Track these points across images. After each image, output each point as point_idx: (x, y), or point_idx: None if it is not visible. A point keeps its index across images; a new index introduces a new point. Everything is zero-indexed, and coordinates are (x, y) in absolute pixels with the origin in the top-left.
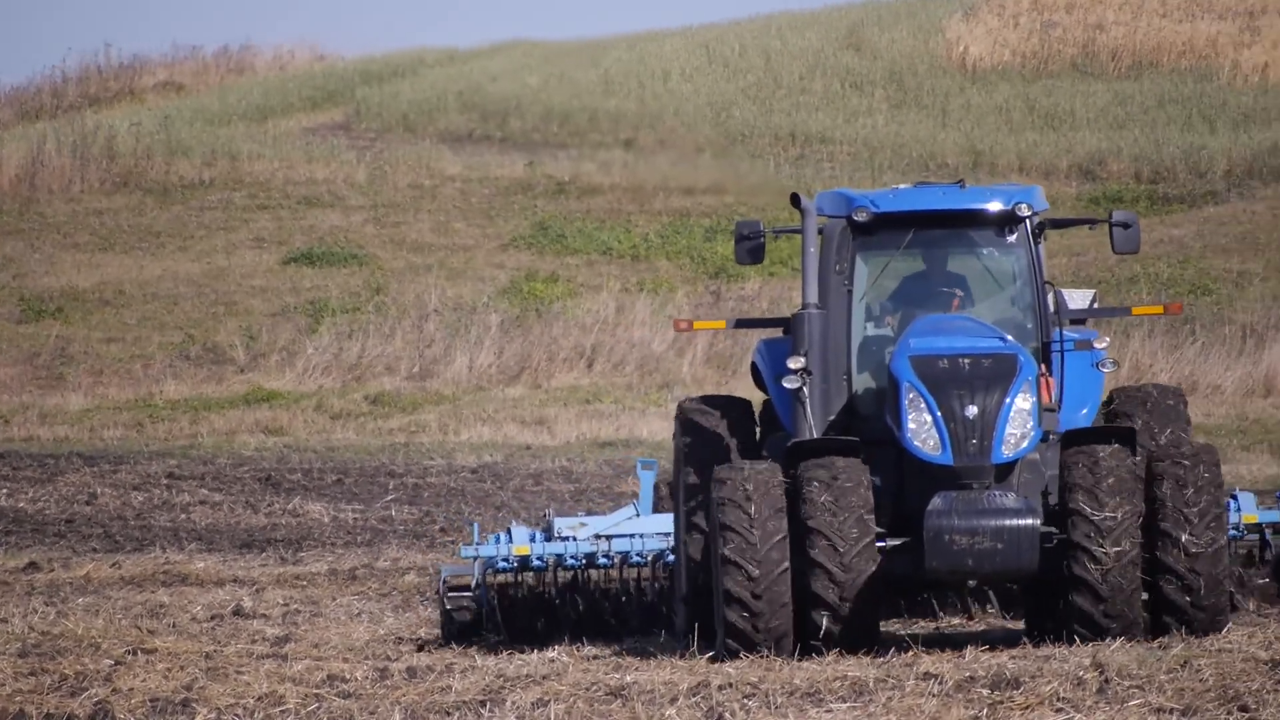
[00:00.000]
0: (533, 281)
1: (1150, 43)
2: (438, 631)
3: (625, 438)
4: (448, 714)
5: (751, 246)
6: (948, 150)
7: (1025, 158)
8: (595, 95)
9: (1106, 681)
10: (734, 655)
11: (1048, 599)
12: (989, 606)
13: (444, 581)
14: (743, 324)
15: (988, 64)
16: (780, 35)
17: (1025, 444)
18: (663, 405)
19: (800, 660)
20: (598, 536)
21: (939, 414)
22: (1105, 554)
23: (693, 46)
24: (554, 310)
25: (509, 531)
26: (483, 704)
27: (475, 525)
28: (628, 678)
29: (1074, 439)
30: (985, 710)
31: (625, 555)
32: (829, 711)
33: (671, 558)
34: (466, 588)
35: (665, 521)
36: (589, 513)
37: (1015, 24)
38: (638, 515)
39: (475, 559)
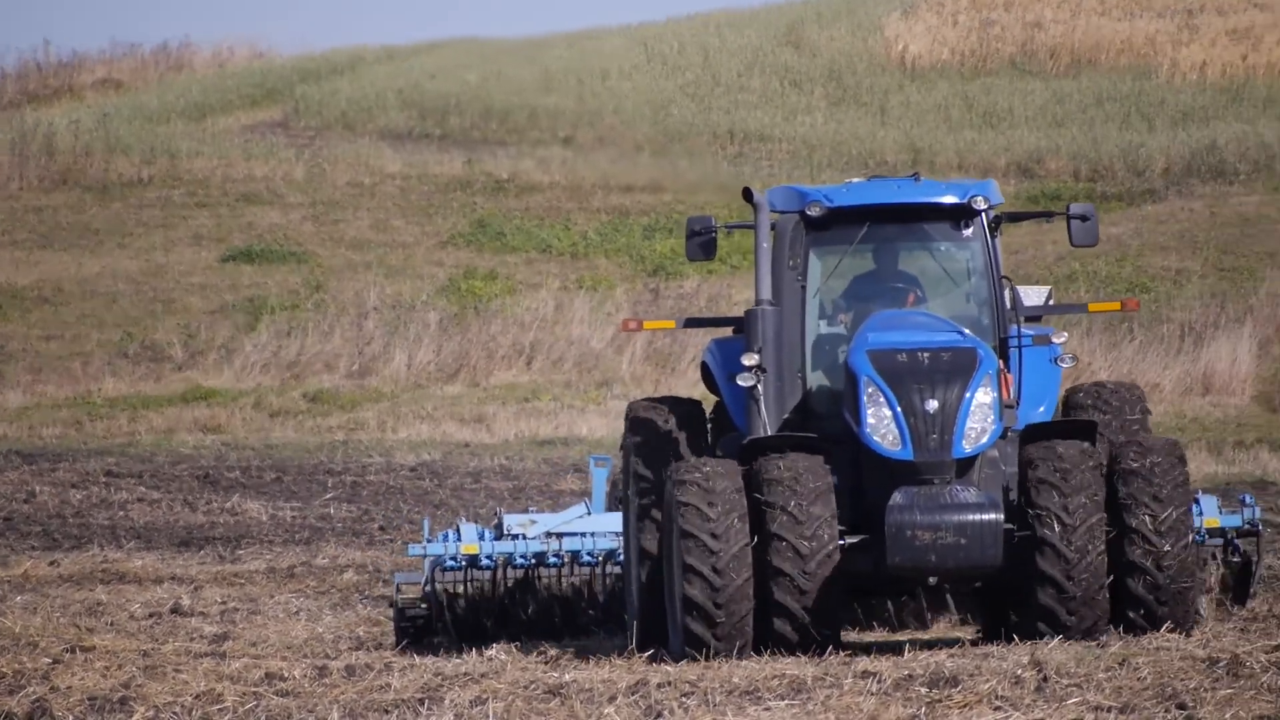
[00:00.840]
0: (472, 279)
1: (1089, 41)
2: (376, 629)
3: (564, 436)
4: (386, 712)
5: (703, 242)
6: (887, 148)
7: (964, 156)
8: (534, 93)
9: (1045, 680)
10: (688, 659)
11: (1005, 601)
12: (948, 614)
13: (397, 587)
14: (693, 323)
15: (926, 62)
16: (719, 33)
17: (986, 439)
18: (602, 403)
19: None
20: (548, 535)
21: (899, 408)
22: (1071, 548)
23: (632, 44)
24: (493, 308)
25: (458, 529)
26: (421, 702)
27: (426, 521)
28: (566, 676)
29: (1035, 434)
30: (923, 708)
31: (576, 554)
32: (767, 709)
33: (622, 556)
34: (418, 591)
35: (618, 520)
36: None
37: (954, 22)
38: (589, 513)
39: (424, 557)
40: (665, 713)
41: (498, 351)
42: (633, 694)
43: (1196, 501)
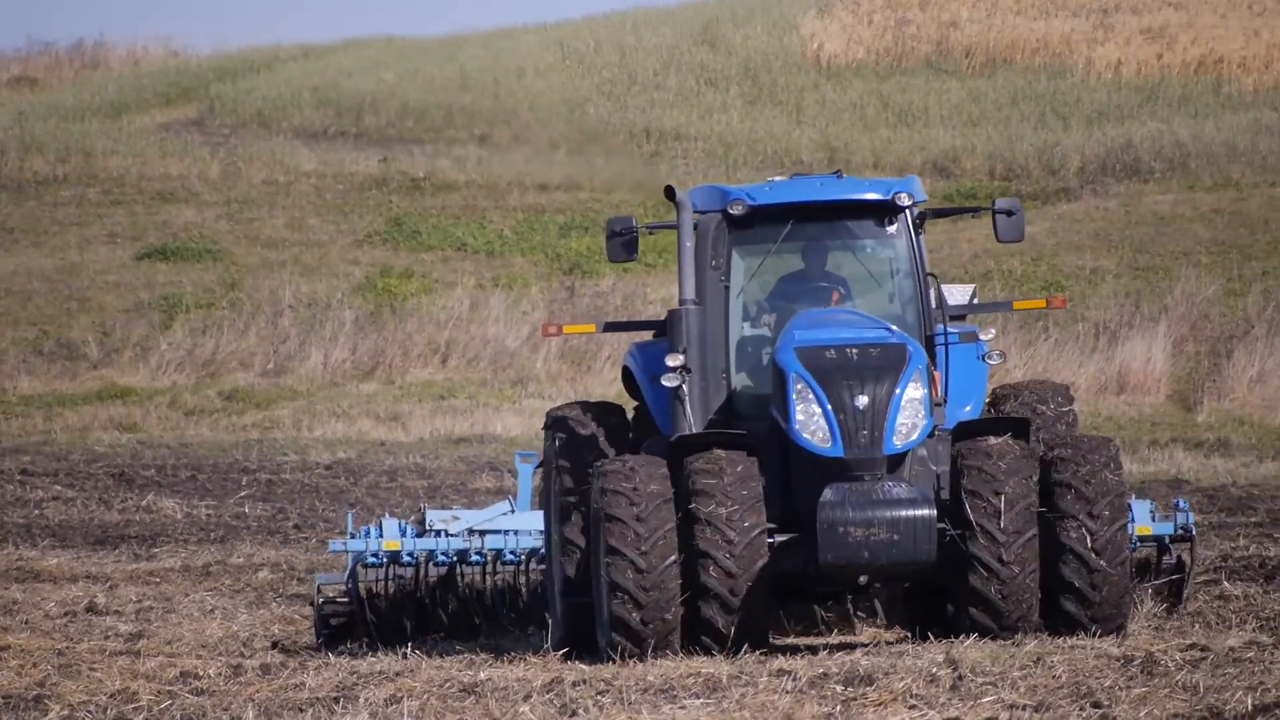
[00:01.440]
0: (387, 277)
1: (1004, 40)
2: (291, 628)
3: (480, 434)
4: (301, 710)
5: (625, 241)
6: (802, 147)
7: (879, 155)
8: (450, 91)
9: (960, 678)
10: (616, 651)
11: (929, 603)
12: (876, 619)
13: (318, 589)
14: (613, 327)
15: (842, 61)
16: (635, 31)
17: (916, 435)
18: (517, 401)
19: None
20: (471, 532)
21: (828, 405)
22: (1006, 541)
23: (548, 43)
24: (408, 306)
25: (379, 525)
26: (336, 700)
27: (350, 516)
28: (481, 674)
29: (967, 430)
30: (839, 707)
31: (499, 552)
32: (683, 708)
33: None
34: (339, 591)
35: (541, 518)
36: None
37: (869, 21)
38: (513, 511)
39: (345, 553)
40: (580, 711)
41: (413, 350)
42: (548, 692)
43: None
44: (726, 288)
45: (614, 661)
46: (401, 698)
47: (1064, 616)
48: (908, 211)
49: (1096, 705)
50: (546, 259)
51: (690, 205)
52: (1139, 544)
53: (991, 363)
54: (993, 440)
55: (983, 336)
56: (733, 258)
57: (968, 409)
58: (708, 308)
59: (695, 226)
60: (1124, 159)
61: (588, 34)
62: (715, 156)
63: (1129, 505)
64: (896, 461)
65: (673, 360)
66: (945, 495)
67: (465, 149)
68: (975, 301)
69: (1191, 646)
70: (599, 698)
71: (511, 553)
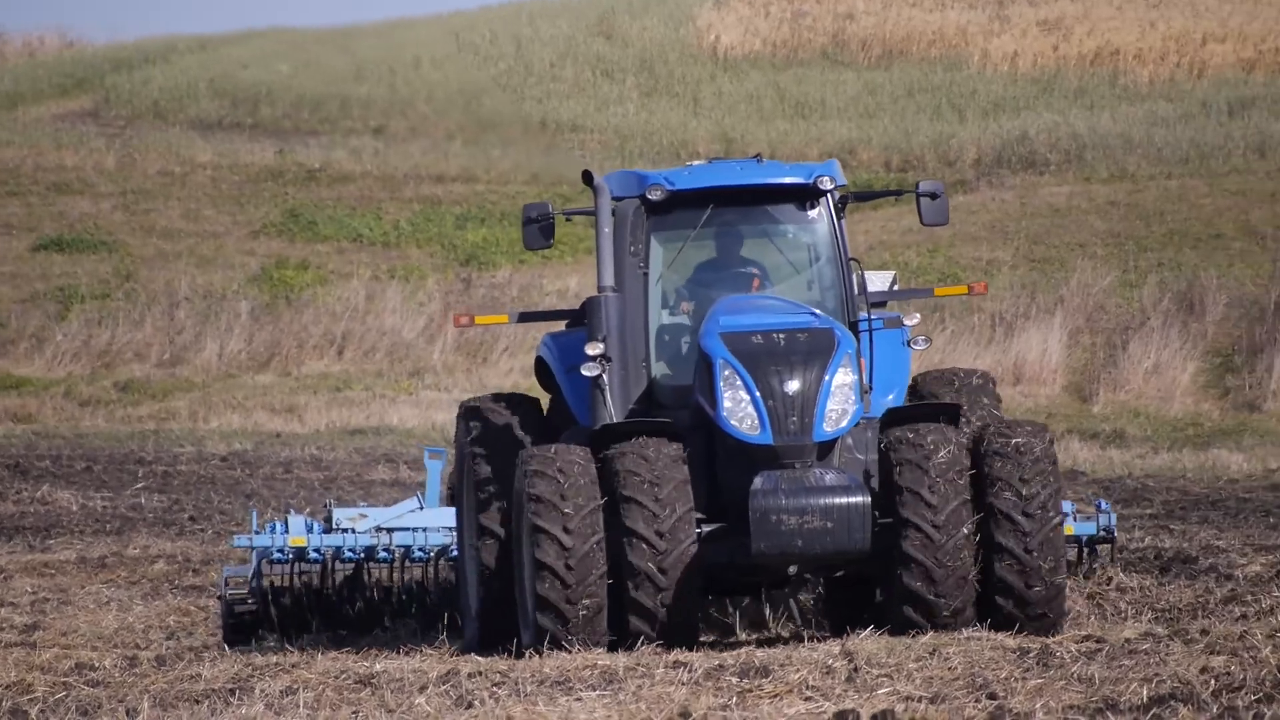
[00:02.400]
0: (283, 269)
1: (900, 32)
2: (187, 619)
3: (375, 425)
4: (197, 702)
5: (541, 227)
6: (699, 138)
7: (776, 146)
8: (346, 83)
9: (855, 670)
10: (543, 635)
11: (854, 600)
12: (792, 619)
13: (224, 581)
14: (526, 317)
15: (739, 52)
16: (531, 22)
17: (847, 421)
18: (413, 393)
19: (553, 650)
20: (379, 529)
21: (756, 392)
22: (938, 532)
23: (444, 34)
24: (304, 298)
25: (285, 521)
26: (232, 692)
27: (254, 513)
28: (377, 666)
29: (897, 418)
30: (734, 698)
31: (407, 550)
32: (579, 699)
33: (456, 553)
34: (246, 586)
35: (451, 515)
36: (339, 501)
37: (766, 13)
38: (422, 508)
39: (250, 549)
40: (476, 702)
41: (309, 341)
42: (444, 684)
43: None
44: (645, 274)
45: (534, 651)
46: (297, 689)
47: (999, 607)
48: (829, 195)
49: (992, 696)
50: (443, 250)
51: (608, 190)
52: None
53: (916, 348)
54: (924, 430)
55: (907, 322)
56: (651, 244)
57: (891, 396)
58: (626, 295)
59: (613, 212)
60: (1020, 151)
61: (484, 25)
62: (611, 148)
63: (1062, 500)
64: (826, 449)
65: (592, 349)
66: (875, 484)
67: (361, 140)
68: (895, 288)
69: (1087, 638)
70: (495, 689)
71: (420, 549)
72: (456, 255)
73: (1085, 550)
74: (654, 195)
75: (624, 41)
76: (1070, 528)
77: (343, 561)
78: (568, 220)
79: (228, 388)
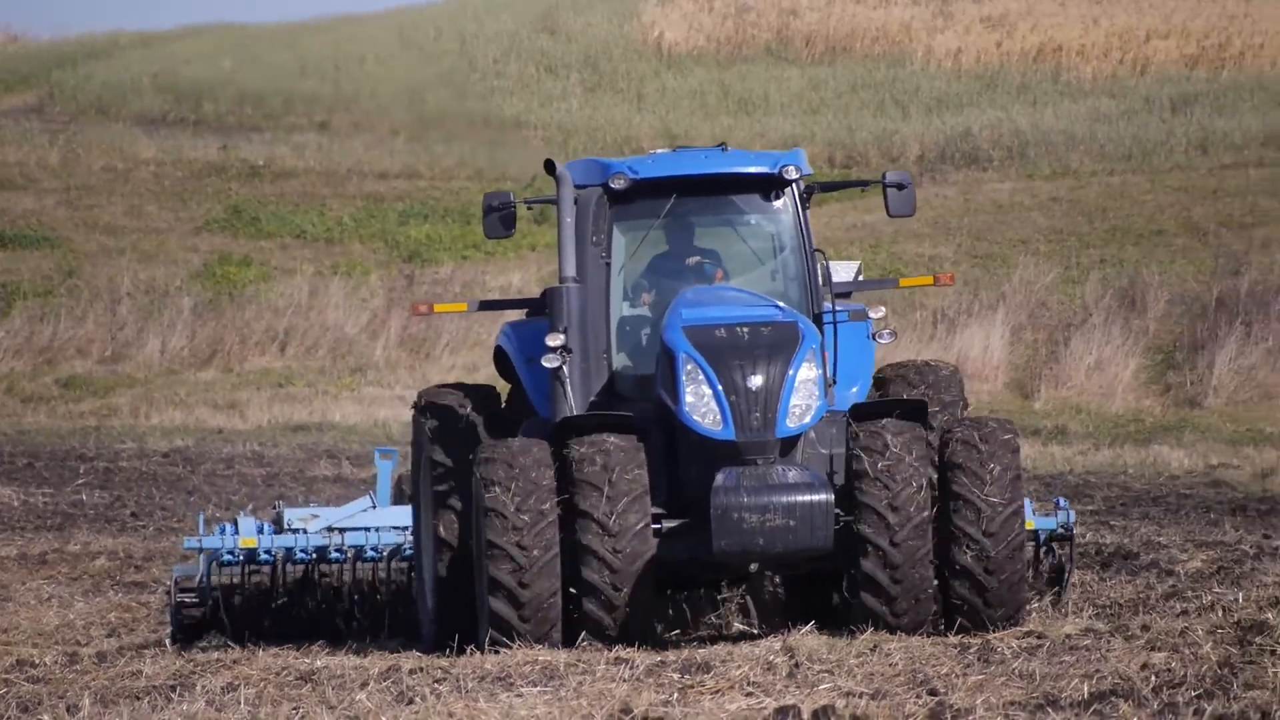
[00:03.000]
0: (226, 265)
1: (844, 28)
2: (128, 615)
3: (318, 421)
4: (138, 699)
5: (501, 217)
6: (643, 134)
7: (720, 142)
8: (290, 79)
9: (796, 665)
10: (498, 648)
11: (812, 599)
12: (748, 617)
13: (175, 581)
14: (486, 306)
15: (683, 48)
16: (475, 19)
17: (810, 416)
18: (356, 389)
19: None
20: (330, 529)
21: (719, 386)
22: (899, 534)
23: (388, 30)
24: (247, 294)
25: (235, 523)
26: (173, 689)
27: (201, 516)
28: (318, 663)
29: (862, 413)
30: (676, 694)
31: (359, 549)
32: (519, 695)
33: (410, 552)
34: (196, 585)
35: (403, 514)
36: (284, 499)
37: (710, 9)
38: (374, 507)
39: (199, 551)
40: (417, 699)
41: (252, 337)
42: (385, 680)
43: None
44: (608, 265)
45: (496, 649)
46: (238, 685)
47: (959, 603)
48: (795, 185)
49: (933, 693)
50: (386, 246)
51: (570, 179)
52: None
53: (881, 341)
54: (889, 430)
55: (872, 314)
56: (614, 234)
57: (855, 389)
58: (588, 285)
59: (575, 201)
60: (963, 147)
61: (428, 21)
62: (555, 144)
63: (1023, 490)
64: (789, 444)
65: (553, 340)
66: (839, 479)
67: (305, 136)
68: (861, 279)
69: (1028, 634)
70: (436, 685)
71: (373, 549)
72: (399, 251)
73: (1043, 547)
74: (617, 184)
75: (568, 37)
76: (1030, 522)
77: (294, 563)
78: (529, 209)
79: (170, 384)
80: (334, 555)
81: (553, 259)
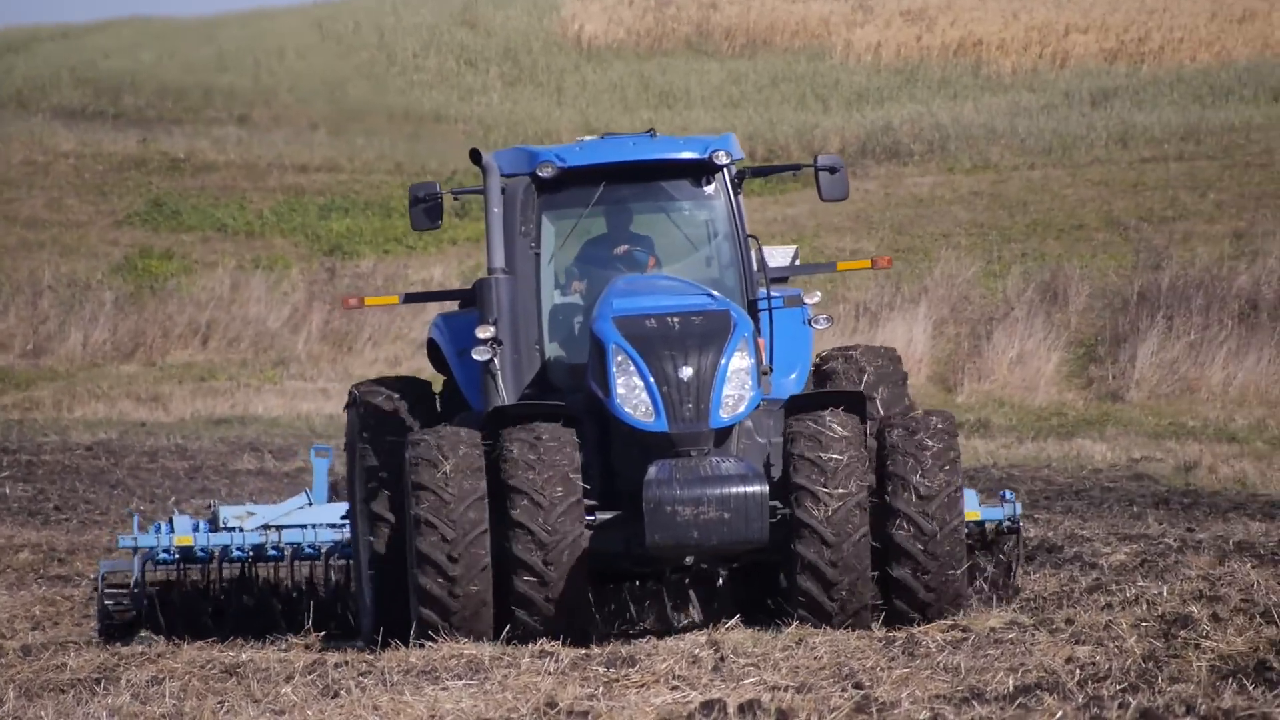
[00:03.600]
0: (147, 258)
1: (764, 22)
2: (52, 609)
3: (241, 414)
4: (63, 692)
5: (428, 208)
6: (563, 128)
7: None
8: (209, 72)
9: (722, 659)
10: (429, 629)
11: (757, 589)
12: (690, 609)
13: (102, 578)
14: (414, 298)
15: (603, 41)
16: (395, 12)
17: (744, 406)
18: (278, 382)
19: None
20: (267, 527)
21: (650, 378)
22: (832, 532)
23: (307, 23)
24: (169, 287)
25: (170, 521)
26: (98, 682)
27: (135, 516)
28: (243, 656)
29: (799, 405)
30: (601, 688)
31: (297, 547)
32: (445, 689)
33: (348, 549)
34: (125, 584)
35: (339, 511)
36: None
37: (630, 2)
38: (310, 504)
39: (134, 550)
40: (343, 692)
41: (174, 330)
42: (310, 673)
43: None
44: (537, 254)
45: (422, 642)
46: (163, 679)
47: (899, 591)
48: (726, 170)
49: (858, 686)
50: (307, 240)
51: (497, 169)
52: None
53: (817, 327)
54: (824, 422)
55: (807, 300)
56: (543, 223)
57: (794, 376)
58: (518, 276)
59: (503, 191)
60: (884, 141)
61: (347, 14)
62: (475, 138)
63: (960, 473)
64: (723, 435)
65: (483, 332)
66: (777, 471)
67: (225, 129)
68: (797, 263)
69: (953, 627)
70: (361, 679)
71: (310, 546)
72: (321, 245)
73: (985, 537)
74: (545, 172)
75: (488, 31)
76: (977, 513)
77: (230, 561)
78: (455, 200)
79: (92, 377)
80: (271, 553)
81: (475, 252)
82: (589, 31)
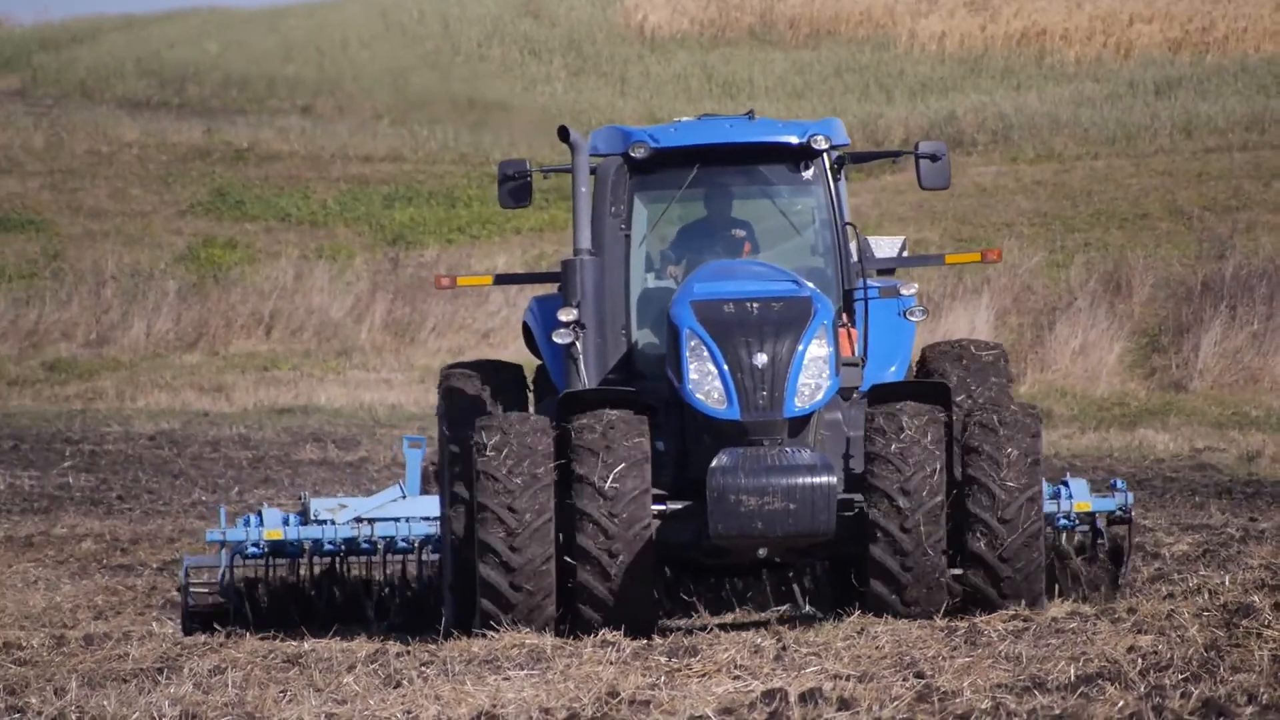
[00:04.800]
0: (211, 248)
1: (828, 12)
2: (115, 598)
3: (303, 404)
4: (125, 681)
5: (515, 187)
6: (626, 118)
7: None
8: (274, 62)
9: (784, 649)
10: (490, 620)
11: (847, 579)
12: (804, 600)
13: (186, 572)
14: (506, 279)
15: (666, 32)
16: (459, 2)
17: (820, 396)
18: (341, 372)
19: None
20: (359, 520)
21: (724, 364)
22: (910, 520)
23: (371, 13)
24: (232, 277)
25: (259, 514)
26: (160, 671)
27: (222, 509)
28: (305, 646)
29: (881, 395)
30: (663, 677)
31: (390, 541)
32: (506, 679)
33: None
34: (211, 580)
35: (434, 504)
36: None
37: None
38: (404, 497)
39: (222, 544)
40: (405, 682)
41: (237, 320)
42: (372, 663)
43: (1065, 484)
44: (627, 236)
45: (484, 632)
46: (225, 668)
47: (973, 593)
48: (825, 155)
49: (920, 675)
50: (370, 230)
51: (584, 147)
52: (1076, 522)
53: (914, 319)
54: (904, 413)
55: (905, 291)
56: (634, 204)
57: (893, 369)
58: (606, 258)
59: (593, 171)
60: (947, 131)
61: (411, 4)
62: (540, 128)
63: (1065, 484)
64: (799, 425)
65: (565, 315)
66: (858, 464)
67: (289, 119)
68: (905, 254)
69: (1014, 617)
70: (423, 669)
71: (403, 540)
72: (384, 235)
73: (1097, 532)
74: (637, 153)
75: (551, 21)
76: (1087, 503)
77: (321, 555)
78: (545, 178)
79: (155, 367)
80: (363, 546)
81: (539, 242)
82: (652, 22)
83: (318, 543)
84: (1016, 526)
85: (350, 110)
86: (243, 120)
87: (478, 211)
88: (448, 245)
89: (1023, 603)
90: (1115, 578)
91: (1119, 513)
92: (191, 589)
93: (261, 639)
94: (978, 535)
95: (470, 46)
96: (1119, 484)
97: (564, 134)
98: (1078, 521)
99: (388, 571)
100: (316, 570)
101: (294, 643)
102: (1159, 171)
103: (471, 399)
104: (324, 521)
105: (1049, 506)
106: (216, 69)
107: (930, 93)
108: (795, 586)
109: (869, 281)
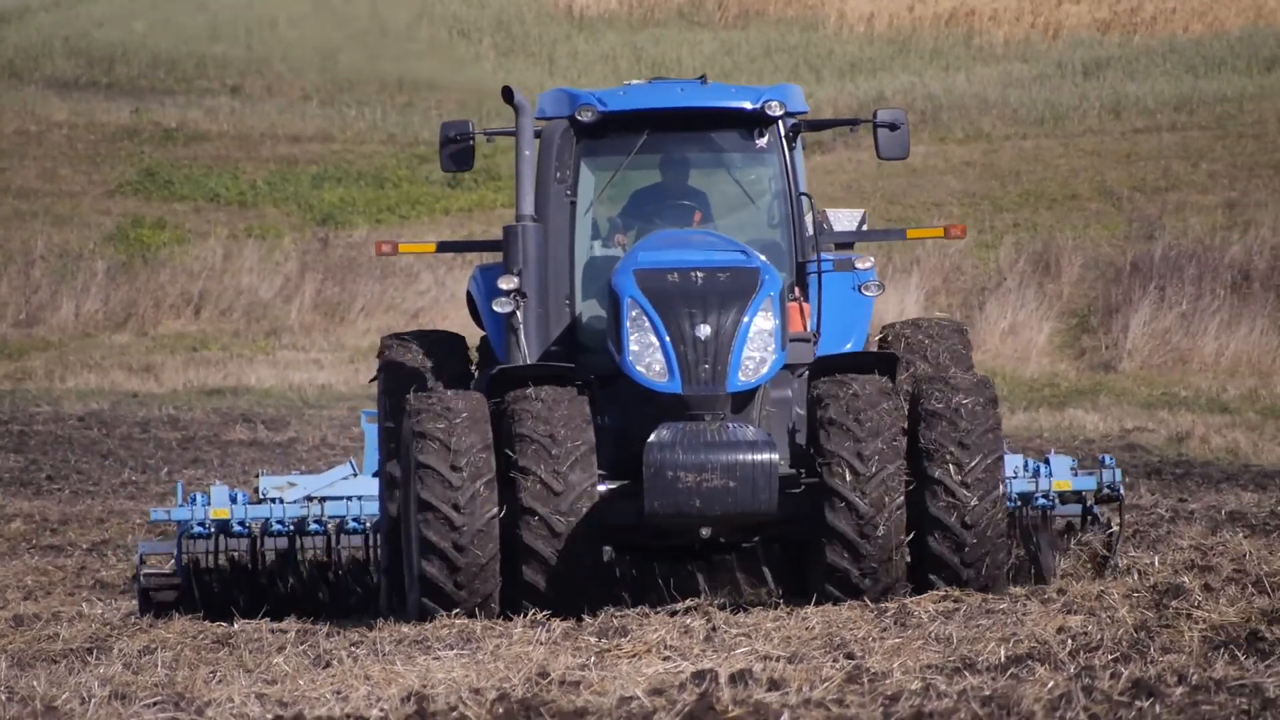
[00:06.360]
0: (140, 228)
1: None
2: (44, 579)
3: (233, 385)
4: (55, 662)
5: (457, 150)
6: None
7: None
8: (202, 41)
9: (714, 630)
10: (428, 616)
11: (799, 559)
12: (764, 585)
13: (141, 558)
14: (449, 247)
15: (594, 11)
16: None
17: (765, 370)
18: (270, 352)
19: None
20: (309, 499)
21: (666, 336)
22: (865, 501)
23: None
24: (161, 257)
25: (207, 492)
26: (89, 651)
27: (180, 485)
28: (235, 626)
29: (826, 367)
30: (593, 658)
31: (340, 521)
32: (437, 659)
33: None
34: (166, 567)
35: None
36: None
37: None
38: (355, 475)
39: (168, 522)
40: (334, 662)
41: (166, 301)
42: (301, 644)
43: (1046, 462)
44: (573, 203)
45: (390, 610)
46: (155, 649)
47: (933, 565)
48: (780, 123)
49: (850, 656)
50: (299, 210)
51: (529, 109)
52: (1055, 503)
53: (870, 294)
54: (854, 382)
55: (860, 265)
56: (581, 170)
57: (849, 345)
58: (550, 225)
59: (537, 134)
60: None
61: None
62: (468, 108)
63: (1046, 462)
64: (743, 400)
65: (506, 283)
66: (804, 440)
67: (218, 99)
68: (865, 228)
69: (944, 597)
70: (353, 649)
71: (355, 520)
72: (313, 215)
73: (1087, 513)
74: (584, 116)
75: (480, 2)
76: (1068, 482)
77: (271, 534)
78: (489, 141)
79: (84, 347)
80: (313, 527)
81: (469, 223)
82: (581, 2)
83: (267, 522)
84: (979, 490)
85: (279, 90)
86: (171, 100)
87: (406, 191)
88: (377, 225)
89: (984, 569)
90: (1105, 561)
91: (1106, 491)
92: (144, 575)
93: (191, 620)
94: (939, 499)
95: (399, 27)
96: (1107, 459)
97: (508, 95)
98: (1056, 501)
99: (343, 555)
100: (269, 555)
101: (224, 624)
102: (1088, 152)
103: (411, 372)
104: (273, 500)
105: (1027, 485)
106: (145, 49)
107: (859, 73)
108: (765, 569)
109: (824, 255)
